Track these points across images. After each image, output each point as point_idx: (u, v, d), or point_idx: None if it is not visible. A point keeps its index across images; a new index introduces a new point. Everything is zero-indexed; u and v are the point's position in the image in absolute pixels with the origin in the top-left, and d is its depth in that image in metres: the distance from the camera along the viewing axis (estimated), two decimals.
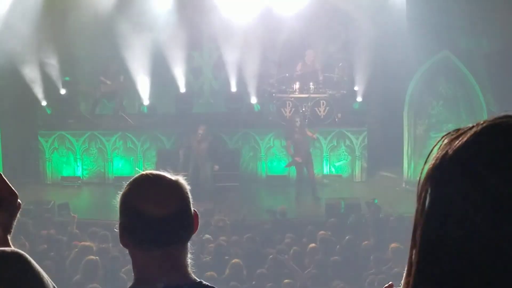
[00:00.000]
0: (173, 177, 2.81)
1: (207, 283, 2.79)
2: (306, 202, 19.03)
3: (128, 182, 2.80)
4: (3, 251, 1.91)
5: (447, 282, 1.34)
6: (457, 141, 1.38)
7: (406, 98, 19.57)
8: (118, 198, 2.78)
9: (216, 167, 19.40)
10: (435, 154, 1.42)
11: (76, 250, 12.67)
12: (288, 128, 19.62)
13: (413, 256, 1.42)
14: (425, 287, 1.38)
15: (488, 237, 1.29)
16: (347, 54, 22.00)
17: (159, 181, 2.76)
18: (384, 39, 20.46)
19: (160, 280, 2.71)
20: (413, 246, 1.42)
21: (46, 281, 1.89)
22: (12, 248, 1.98)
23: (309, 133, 19.55)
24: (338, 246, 13.63)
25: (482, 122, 1.39)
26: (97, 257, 11.52)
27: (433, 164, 1.40)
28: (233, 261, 11.79)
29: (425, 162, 1.43)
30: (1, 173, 2.19)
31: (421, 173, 1.41)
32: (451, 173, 1.35)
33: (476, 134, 1.37)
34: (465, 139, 1.37)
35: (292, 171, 20.75)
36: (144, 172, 2.84)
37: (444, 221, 1.35)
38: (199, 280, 2.79)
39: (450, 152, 1.38)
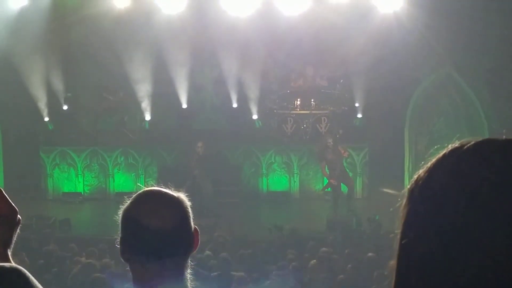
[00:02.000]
0: (174, 193, 2.84)
1: None
2: (310, 217, 18.99)
3: (130, 197, 2.83)
4: (2, 267, 1.91)
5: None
6: (430, 163, 1.56)
7: (407, 114, 19.61)
8: (119, 213, 2.81)
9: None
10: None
11: (79, 266, 12.65)
12: (321, 149, 19.38)
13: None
14: None
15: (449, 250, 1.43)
16: (348, 70, 22.02)
17: (160, 197, 2.80)
18: (385, 56, 20.50)
19: None
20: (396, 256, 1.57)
21: None
22: (12, 264, 1.98)
23: (341, 150, 19.35)
24: (340, 262, 13.61)
25: (451, 145, 1.55)
26: (103, 275, 11.51)
27: (410, 184, 1.58)
28: (238, 274, 11.77)
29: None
30: (1, 189, 2.20)
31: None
32: (421, 194, 1.53)
33: (440, 158, 1.54)
34: (434, 161, 1.55)
35: (295, 187, 20.80)
36: (146, 188, 2.88)
37: (414, 236, 1.52)
38: None
39: (422, 174, 1.56)
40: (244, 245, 15.15)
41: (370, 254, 14.17)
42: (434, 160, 1.55)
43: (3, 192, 2.17)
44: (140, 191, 2.86)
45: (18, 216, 2.18)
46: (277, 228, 16.35)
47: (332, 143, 19.03)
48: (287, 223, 17.30)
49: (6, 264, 1.93)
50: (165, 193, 2.82)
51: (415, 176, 1.57)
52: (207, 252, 14.23)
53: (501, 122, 18.03)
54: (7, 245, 2.12)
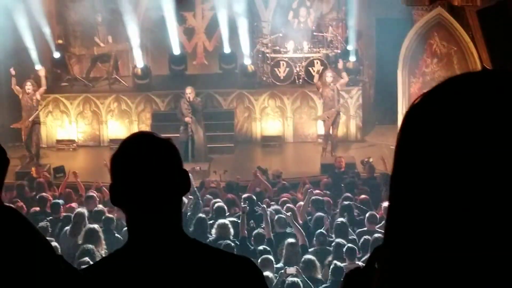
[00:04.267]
0: (163, 137, 2.82)
1: (200, 241, 2.82)
2: (303, 161, 19.03)
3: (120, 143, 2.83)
4: None
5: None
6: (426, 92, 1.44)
7: (400, 56, 19.52)
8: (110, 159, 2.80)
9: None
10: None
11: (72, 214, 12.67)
12: (321, 84, 19.13)
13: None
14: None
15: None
16: (341, 13, 21.95)
17: (148, 141, 2.77)
18: None
19: (152, 239, 2.73)
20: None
21: (40, 237, 1.90)
22: (4, 204, 1.98)
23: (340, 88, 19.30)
24: (335, 208, 13.69)
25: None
26: (97, 225, 11.60)
27: (406, 111, 1.46)
28: (219, 221, 11.79)
29: None
30: None
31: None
32: (414, 121, 1.42)
33: (437, 86, 1.41)
34: (431, 89, 1.42)
35: (288, 131, 20.83)
36: (134, 133, 2.87)
37: (405, 165, 1.42)
38: (192, 238, 2.81)
39: (416, 101, 1.43)
40: (237, 189, 15.21)
41: (363, 196, 14.26)
42: (431, 88, 1.44)
43: None
44: (129, 136, 2.85)
45: (7, 156, 2.18)
46: (262, 170, 16.37)
47: (331, 77, 18.86)
48: (280, 167, 17.35)
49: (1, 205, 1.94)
50: (153, 137, 2.80)
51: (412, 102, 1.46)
52: (208, 196, 14.27)
53: (494, 63, 17.98)
54: (0, 185, 2.12)
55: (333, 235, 11.84)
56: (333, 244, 11.19)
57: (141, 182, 2.70)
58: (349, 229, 12.06)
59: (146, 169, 2.70)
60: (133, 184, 2.71)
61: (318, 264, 10.46)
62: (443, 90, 1.42)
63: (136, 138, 2.83)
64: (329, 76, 18.92)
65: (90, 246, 10.75)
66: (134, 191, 2.72)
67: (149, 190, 2.71)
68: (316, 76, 19.76)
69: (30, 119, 18.91)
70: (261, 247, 11.16)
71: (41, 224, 12.16)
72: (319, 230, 11.76)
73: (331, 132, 19.18)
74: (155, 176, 2.71)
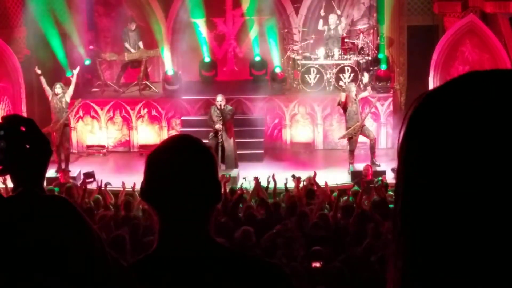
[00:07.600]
0: (203, 144, 2.77)
1: (233, 249, 2.77)
2: (333, 168, 18.93)
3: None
4: (47, 195, 1.93)
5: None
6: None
7: (431, 63, 19.42)
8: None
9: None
10: None
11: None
12: (346, 95, 18.90)
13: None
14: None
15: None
16: (372, 20, 21.91)
17: (187, 145, 2.73)
18: (408, 3, 20.45)
19: (181, 245, 2.69)
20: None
21: (91, 227, 1.89)
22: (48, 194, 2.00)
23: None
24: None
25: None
26: (124, 234, 11.53)
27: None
28: (243, 228, 11.67)
29: None
30: (32, 120, 2.23)
31: None
32: (407, 130, 1.40)
33: (432, 91, 1.36)
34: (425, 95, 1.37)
35: (318, 138, 20.77)
36: (174, 134, 2.87)
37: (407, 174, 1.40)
38: (225, 246, 2.77)
39: (412, 108, 1.39)
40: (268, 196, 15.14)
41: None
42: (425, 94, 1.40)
43: (35, 123, 2.20)
44: (168, 137, 2.84)
45: (50, 147, 2.22)
46: (295, 178, 16.24)
47: (355, 92, 18.64)
48: (310, 174, 17.25)
49: (53, 195, 1.96)
50: (193, 141, 2.77)
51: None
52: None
53: None
54: (43, 176, 2.17)
55: None
56: None
57: (171, 185, 2.66)
58: None
59: (179, 173, 2.66)
60: (163, 186, 2.68)
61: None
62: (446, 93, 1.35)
63: (177, 140, 2.80)
64: (353, 90, 18.65)
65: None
66: (164, 193, 2.68)
67: (178, 194, 2.66)
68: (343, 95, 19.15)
69: (61, 121, 18.93)
70: None
71: None
72: None
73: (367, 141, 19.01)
74: (186, 181, 2.66)
